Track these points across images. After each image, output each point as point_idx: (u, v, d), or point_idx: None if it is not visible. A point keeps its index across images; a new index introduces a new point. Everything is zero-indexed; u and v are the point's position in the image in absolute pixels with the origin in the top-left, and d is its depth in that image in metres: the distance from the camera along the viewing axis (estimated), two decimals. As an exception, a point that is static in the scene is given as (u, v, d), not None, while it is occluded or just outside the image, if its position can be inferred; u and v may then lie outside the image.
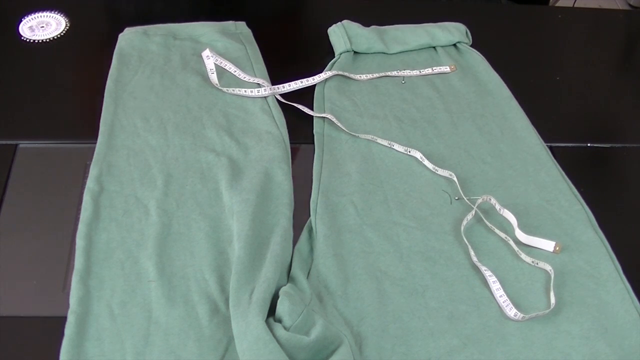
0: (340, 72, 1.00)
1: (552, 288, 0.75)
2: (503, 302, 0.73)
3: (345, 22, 1.08)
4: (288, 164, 0.87)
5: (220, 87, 0.96)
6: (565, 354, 0.70)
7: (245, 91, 0.96)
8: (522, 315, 0.72)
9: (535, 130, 0.95)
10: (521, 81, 1.04)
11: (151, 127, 0.90)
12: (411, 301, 0.73)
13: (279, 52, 1.06)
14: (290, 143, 0.90)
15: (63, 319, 0.68)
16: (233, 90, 0.96)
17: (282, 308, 0.68)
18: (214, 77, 0.97)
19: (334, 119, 0.93)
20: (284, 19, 1.17)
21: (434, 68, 1.04)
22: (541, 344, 0.70)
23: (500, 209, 0.83)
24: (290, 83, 0.98)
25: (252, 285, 0.70)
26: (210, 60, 0.99)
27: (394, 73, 1.02)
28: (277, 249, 0.74)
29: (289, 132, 0.92)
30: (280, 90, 0.97)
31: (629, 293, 0.75)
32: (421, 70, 1.03)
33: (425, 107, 0.98)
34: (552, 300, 0.73)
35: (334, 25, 1.07)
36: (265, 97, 0.97)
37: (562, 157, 0.92)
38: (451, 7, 1.26)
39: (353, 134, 0.92)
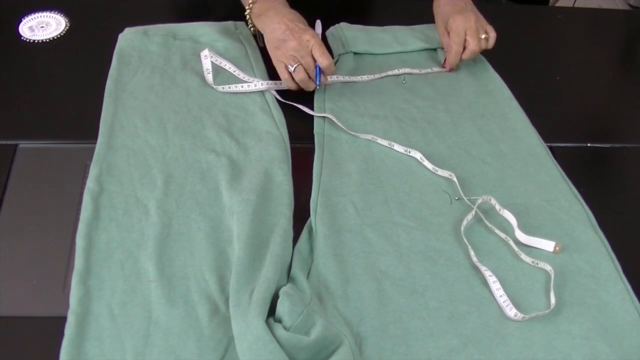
0: (341, 78, 0.99)
1: (552, 288, 0.75)
2: (503, 302, 0.73)
3: (342, 24, 1.08)
4: (288, 164, 0.87)
5: (215, 86, 0.96)
6: (565, 354, 0.70)
7: (242, 86, 0.96)
8: (522, 315, 0.72)
9: (535, 130, 0.95)
10: (521, 81, 1.04)
11: (151, 127, 0.90)
12: (411, 301, 0.73)
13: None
14: (290, 143, 0.90)
15: (63, 319, 0.68)
16: (229, 88, 0.96)
17: (282, 308, 0.68)
18: (209, 77, 0.97)
19: (334, 119, 0.93)
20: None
21: (433, 68, 1.04)
22: (541, 344, 0.70)
23: (500, 209, 0.83)
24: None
25: (252, 286, 0.70)
26: (207, 60, 0.99)
27: (395, 72, 1.02)
28: (277, 249, 0.74)
29: (289, 132, 0.92)
30: (277, 86, 0.97)
31: (629, 293, 0.75)
32: (421, 70, 1.03)
33: (425, 108, 0.98)
34: (552, 300, 0.73)
35: (331, 27, 1.07)
36: (261, 90, 0.96)
37: (562, 157, 0.92)
38: (451, 7, 1.26)
39: (353, 134, 0.92)
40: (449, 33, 1.00)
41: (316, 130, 0.93)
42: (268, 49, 0.96)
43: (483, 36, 0.99)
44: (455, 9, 1.00)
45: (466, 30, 0.99)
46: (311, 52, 0.91)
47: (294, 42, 0.91)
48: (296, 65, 0.92)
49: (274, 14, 0.95)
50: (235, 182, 0.83)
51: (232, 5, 1.15)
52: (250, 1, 0.96)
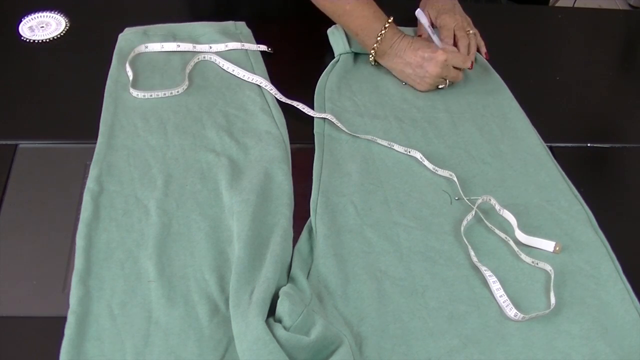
0: (329, 117, 0.95)
1: (552, 288, 0.75)
2: (503, 302, 0.73)
3: None
4: (288, 164, 0.87)
5: (137, 94, 0.94)
6: (565, 354, 0.70)
7: (234, 70, 0.98)
8: (522, 315, 0.72)
9: (535, 130, 0.95)
10: (521, 81, 1.04)
11: (151, 127, 0.90)
12: (411, 301, 0.73)
13: (279, 52, 1.06)
14: (290, 143, 0.90)
15: (63, 319, 0.68)
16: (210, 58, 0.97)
17: (282, 308, 0.68)
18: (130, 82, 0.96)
19: (334, 120, 0.93)
20: (284, 19, 1.17)
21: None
22: (541, 344, 0.70)
23: (500, 210, 0.83)
24: (292, 101, 0.96)
25: (252, 286, 0.70)
26: (129, 68, 0.98)
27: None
28: (277, 249, 0.74)
29: (289, 132, 0.92)
30: (275, 92, 0.97)
31: (629, 293, 0.75)
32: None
33: (425, 107, 0.98)
34: (552, 300, 0.73)
35: (331, 27, 1.07)
36: (255, 84, 0.97)
37: (562, 157, 0.92)
38: (451, 7, 1.26)
39: (353, 134, 0.92)
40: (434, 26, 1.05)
41: (316, 130, 0.93)
42: (410, 82, 1.00)
43: (471, 31, 1.03)
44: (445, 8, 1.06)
45: (454, 26, 1.03)
46: (451, 65, 0.97)
47: (433, 69, 0.96)
48: (448, 82, 1.00)
49: (394, 55, 0.99)
50: (235, 182, 0.83)
51: (232, 5, 1.16)
52: (372, 47, 0.99)
